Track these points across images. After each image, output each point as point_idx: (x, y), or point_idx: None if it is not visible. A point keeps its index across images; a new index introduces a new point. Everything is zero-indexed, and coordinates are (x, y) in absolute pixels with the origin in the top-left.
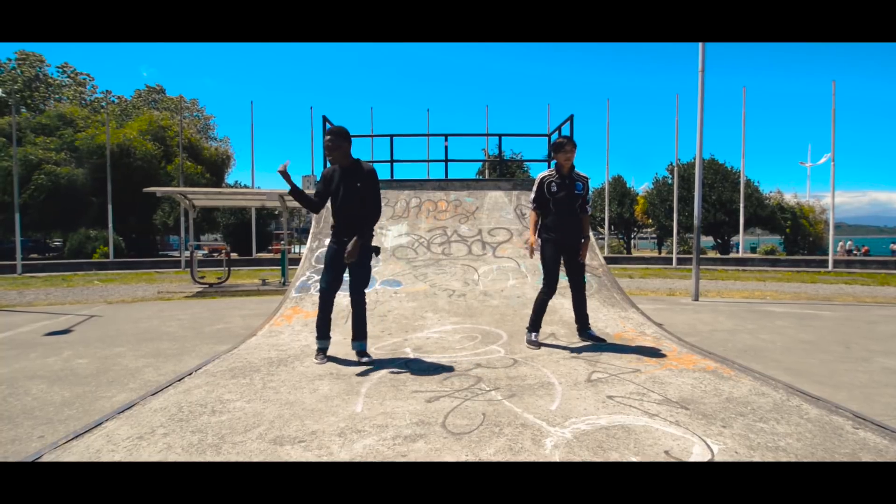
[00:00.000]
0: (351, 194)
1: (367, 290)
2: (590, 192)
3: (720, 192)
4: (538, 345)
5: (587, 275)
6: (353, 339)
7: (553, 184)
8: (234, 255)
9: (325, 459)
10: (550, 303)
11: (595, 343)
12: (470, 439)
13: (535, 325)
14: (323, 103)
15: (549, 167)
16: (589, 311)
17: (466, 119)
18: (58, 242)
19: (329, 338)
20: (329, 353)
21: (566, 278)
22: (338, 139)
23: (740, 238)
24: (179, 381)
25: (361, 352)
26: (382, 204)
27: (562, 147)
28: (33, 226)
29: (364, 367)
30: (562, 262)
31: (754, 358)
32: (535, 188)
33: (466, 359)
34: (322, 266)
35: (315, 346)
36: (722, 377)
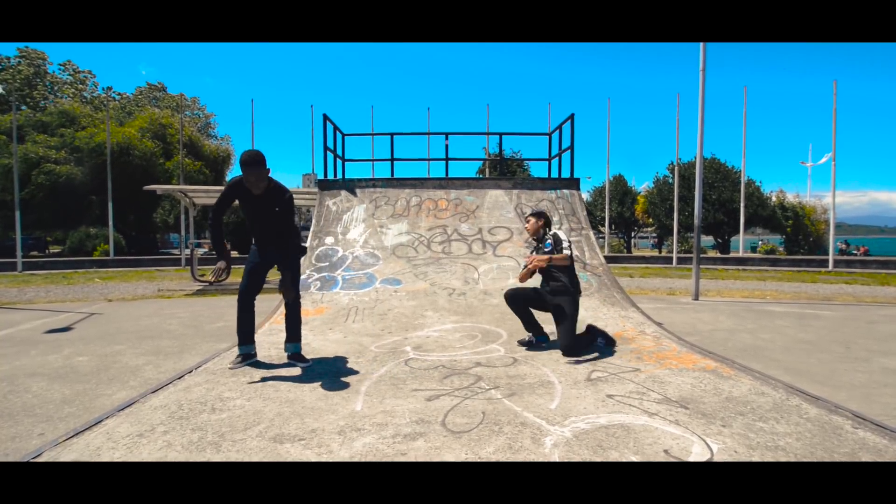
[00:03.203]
0: (270, 218)
1: (367, 289)
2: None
3: (721, 191)
4: (528, 344)
5: (587, 274)
6: (288, 341)
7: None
8: (234, 254)
9: (324, 458)
10: None
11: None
12: (469, 438)
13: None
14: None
15: (549, 166)
16: (589, 311)
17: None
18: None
19: (253, 343)
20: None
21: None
22: (263, 170)
23: (741, 237)
24: (179, 378)
25: (296, 355)
26: (383, 202)
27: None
28: (34, 224)
29: (363, 367)
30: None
31: (754, 357)
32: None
33: (466, 357)
34: (323, 265)
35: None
36: (722, 376)
